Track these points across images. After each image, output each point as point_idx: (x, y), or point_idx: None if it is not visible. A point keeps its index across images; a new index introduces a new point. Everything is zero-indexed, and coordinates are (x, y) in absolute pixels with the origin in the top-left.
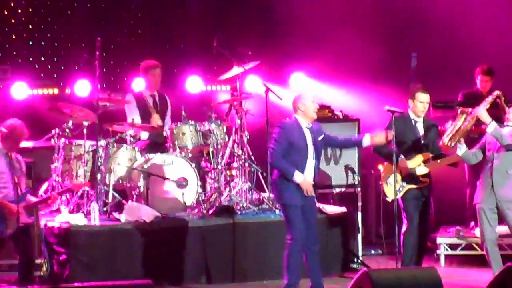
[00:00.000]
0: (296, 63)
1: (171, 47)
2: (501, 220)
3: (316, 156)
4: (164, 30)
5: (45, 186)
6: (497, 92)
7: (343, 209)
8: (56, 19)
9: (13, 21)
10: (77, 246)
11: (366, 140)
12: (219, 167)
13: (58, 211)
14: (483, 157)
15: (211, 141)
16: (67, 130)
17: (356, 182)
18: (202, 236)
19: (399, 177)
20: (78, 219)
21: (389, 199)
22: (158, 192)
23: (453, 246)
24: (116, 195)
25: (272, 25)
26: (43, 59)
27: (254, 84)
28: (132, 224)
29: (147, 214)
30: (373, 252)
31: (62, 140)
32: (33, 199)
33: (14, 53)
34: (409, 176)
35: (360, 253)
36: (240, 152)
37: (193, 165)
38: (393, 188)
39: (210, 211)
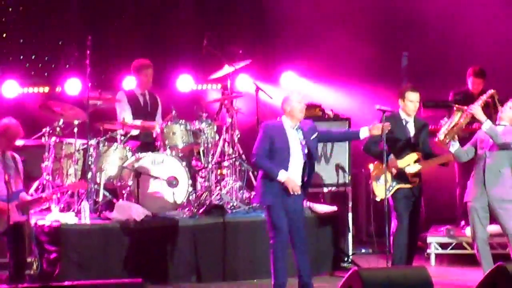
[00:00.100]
0: (286, 62)
1: (162, 45)
2: (492, 219)
3: (308, 155)
4: (155, 29)
5: (35, 185)
6: (492, 91)
7: (333, 208)
8: (46, 18)
9: (3, 19)
10: (67, 244)
11: (364, 132)
12: (210, 166)
13: (48, 209)
14: (474, 155)
15: (202, 140)
16: (58, 129)
17: (347, 181)
18: (192, 235)
19: (389, 176)
20: (69, 218)
21: (378, 199)
22: (149, 191)
23: (443, 245)
24: (107, 194)
25: (263, 24)
26: (33, 57)
27: (245, 83)
28: (123, 223)
29: (137, 213)
30: (363, 251)
31: (53, 138)
32: (27, 197)
33: (5, 51)
34: (399, 176)
35: (350, 252)
36: (230, 151)
37: (184, 164)
38: (382, 187)
39: (201, 210)
